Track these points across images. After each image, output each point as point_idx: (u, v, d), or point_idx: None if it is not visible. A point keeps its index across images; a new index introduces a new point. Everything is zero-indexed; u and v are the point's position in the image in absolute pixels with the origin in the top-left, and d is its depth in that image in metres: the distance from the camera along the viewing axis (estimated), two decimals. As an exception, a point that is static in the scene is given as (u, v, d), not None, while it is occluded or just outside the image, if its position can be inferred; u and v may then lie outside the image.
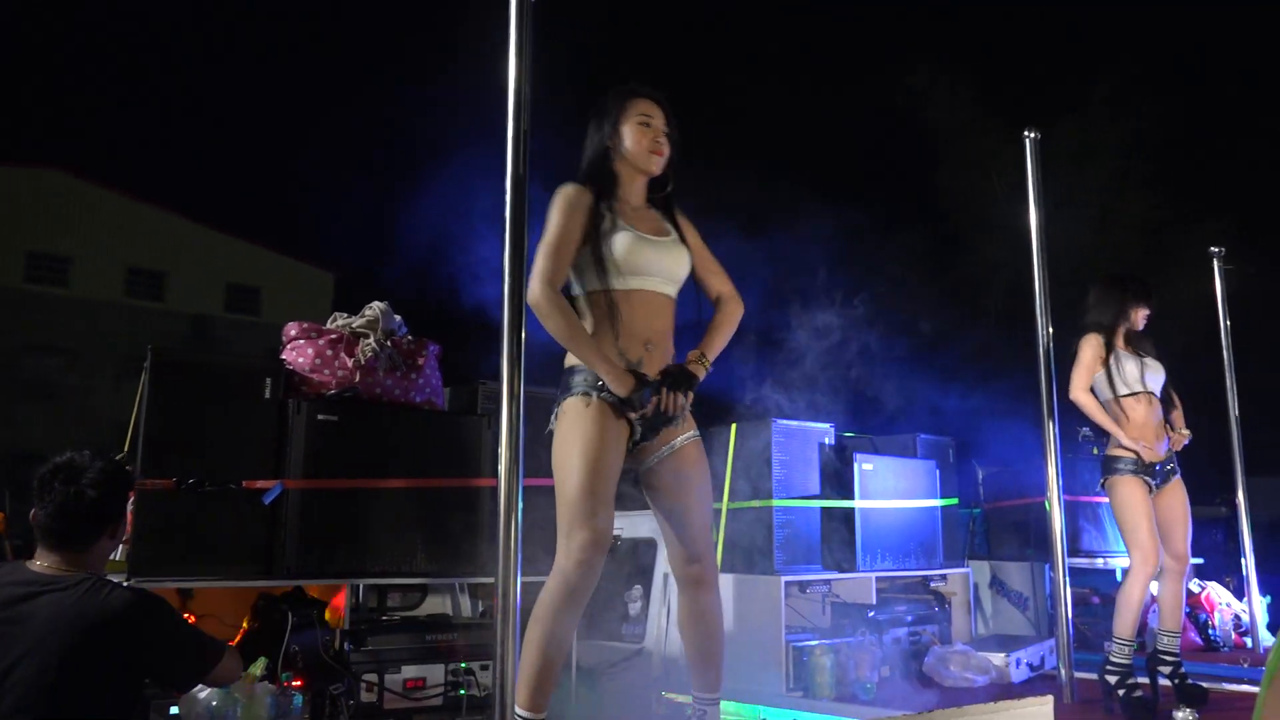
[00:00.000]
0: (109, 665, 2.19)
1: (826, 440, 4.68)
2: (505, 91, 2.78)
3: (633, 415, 2.56)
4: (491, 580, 2.65)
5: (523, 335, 2.68)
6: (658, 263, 2.65)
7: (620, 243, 2.61)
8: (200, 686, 2.59)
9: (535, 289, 2.58)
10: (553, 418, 2.64)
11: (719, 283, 2.86)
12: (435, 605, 4.01)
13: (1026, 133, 4.50)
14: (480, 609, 4.06)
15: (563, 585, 2.44)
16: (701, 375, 2.68)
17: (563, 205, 2.64)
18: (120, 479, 2.40)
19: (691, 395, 2.66)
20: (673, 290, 2.72)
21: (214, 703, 2.81)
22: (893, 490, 4.77)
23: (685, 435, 2.68)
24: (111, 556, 2.48)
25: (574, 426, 2.54)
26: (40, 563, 2.28)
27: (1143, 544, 3.82)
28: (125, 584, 2.35)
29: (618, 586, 4.67)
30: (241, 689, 2.76)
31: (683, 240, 2.76)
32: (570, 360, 2.63)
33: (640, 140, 2.72)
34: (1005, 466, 6.25)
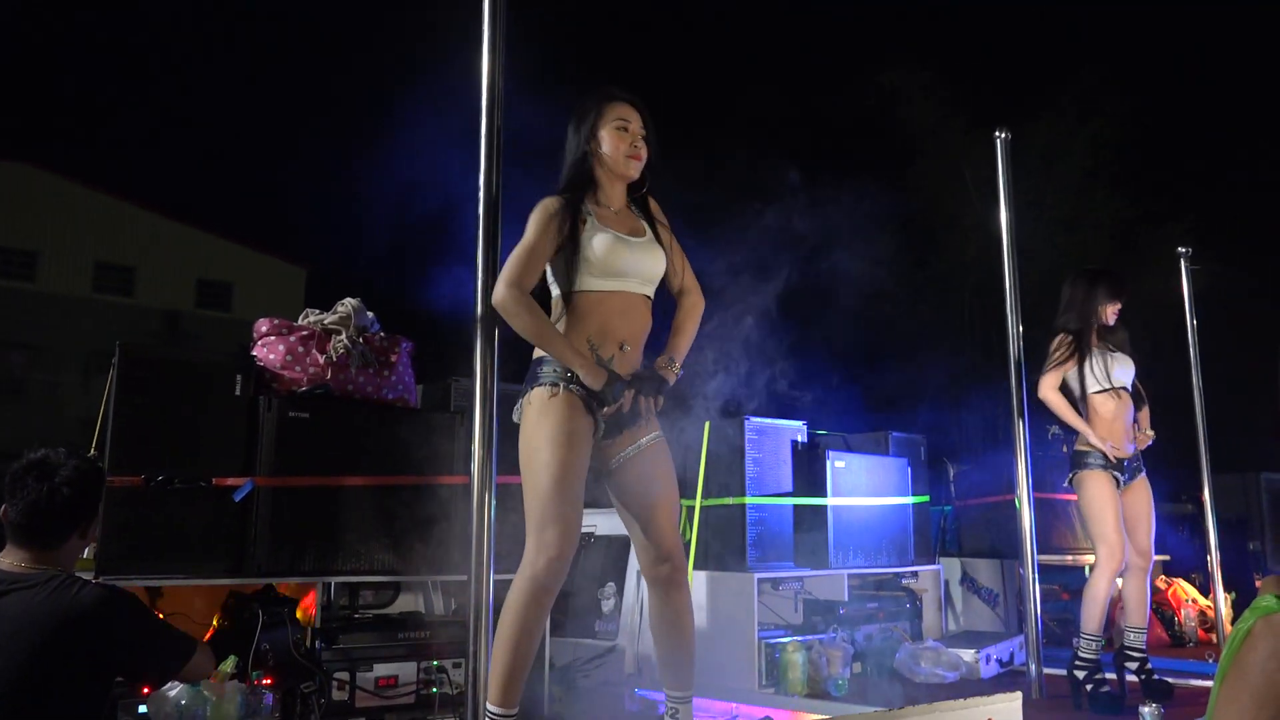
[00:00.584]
0: (80, 663, 2.17)
1: (799, 438, 4.71)
2: (479, 87, 2.78)
3: (604, 411, 2.56)
4: (464, 578, 2.65)
5: (495, 331, 2.68)
6: (635, 264, 2.67)
7: (598, 245, 2.63)
8: (172, 683, 2.58)
9: (499, 290, 2.58)
10: (517, 408, 2.63)
11: (684, 276, 2.87)
12: (407, 603, 3.99)
13: (997, 133, 4.53)
14: (453, 606, 4.05)
15: (531, 581, 2.44)
16: (672, 380, 2.69)
17: (539, 216, 2.66)
18: (94, 477, 2.37)
19: (662, 400, 2.67)
20: (649, 290, 2.73)
21: (183, 701, 2.79)
22: (865, 487, 4.81)
23: (650, 435, 2.68)
24: (82, 555, 2.45)
25: (542, 419, 2.53)
26: (8, 560, 2.26)
27: (1109, 539, 3.87)
28: (95, 581, 2.34)
29: (591, 583, 4.67)
30: (211, 687, 2.75)
31: (658, 239, 2.78)
32: (539, 351, 2.63)
33: (618, 145, 2.73)
34: (976, 464, 6.30)
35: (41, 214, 24.66)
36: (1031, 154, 15.42)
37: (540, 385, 2.57)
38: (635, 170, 2.76)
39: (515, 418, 2.63)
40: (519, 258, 2.62)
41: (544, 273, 2.71)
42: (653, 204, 2.86)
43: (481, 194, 2.76)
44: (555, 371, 2.56)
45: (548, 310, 2.70)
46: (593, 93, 2.82)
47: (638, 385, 2.60)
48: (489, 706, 2.47)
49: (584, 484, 2.54)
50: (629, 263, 2.65)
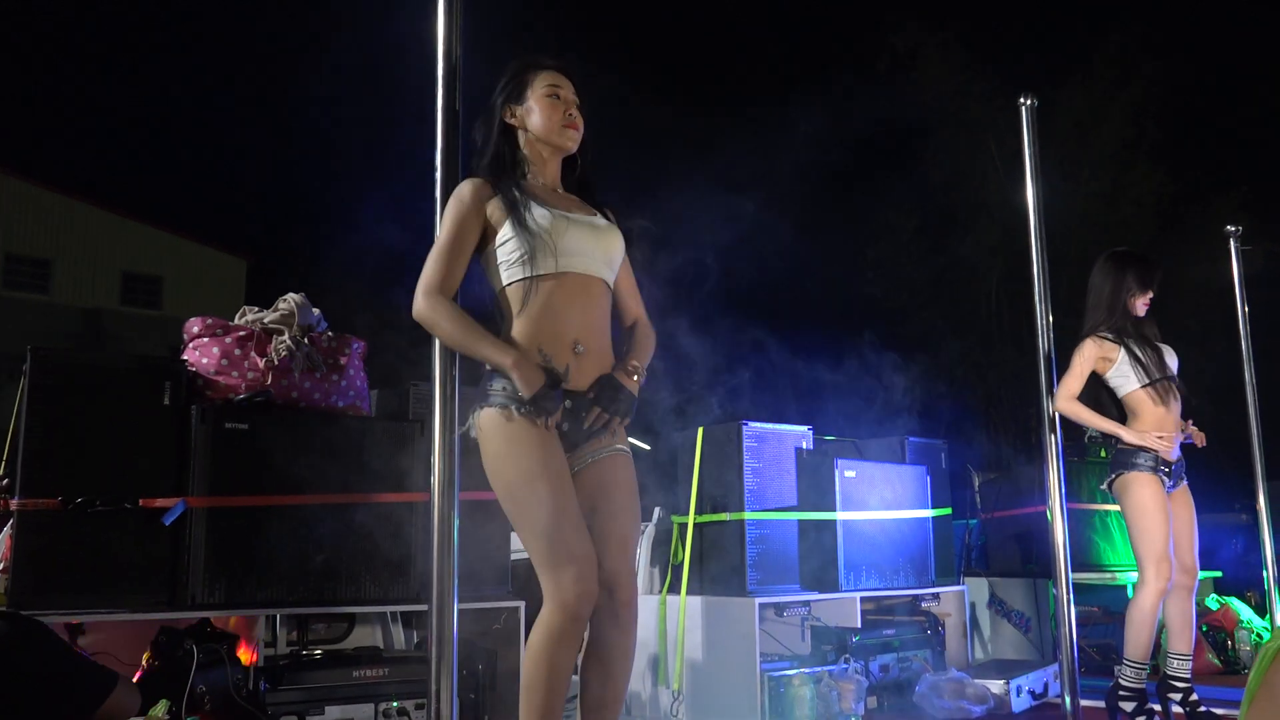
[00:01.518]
0: None
1: (804, 444, 4.72)
2: (434, 54, 2.78)
3: (540, 422, 2.52)
4: (424, 608, 2.65)
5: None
6: (583, 241, 2.60)
7: (534, 220, 2.56)
8: None
9: (417, 302, 2.54)
10: (470, 424, 2.58)
11: (634, 305, 2.84)
12: (364, 637, 3.99)
13: (1022, 100, 4.55)
14: (415, 640, 4.05)
15: (568, 620, 2.40)
16: (635, 391, 2.67)
17: (455, 204, 2.59)
18: None
19: (628, 417, 2.65)
20: (608, 275, 2.68)
21: (109, 753, 2.78)
22: (878, 500, 4.83)
23: (609, 447, 2.63)
24: None
25: (512, 451, 2.49)
26: None
27: (1157, 551, 3.88)
28: None
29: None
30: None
31: (614, 223, 2.74)
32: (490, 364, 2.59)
33: (551, 115, 2.68)
34: (1004, 472, 6.33)
35: (-58, 201, 24.51)
36: (1063, 124, 15.48)
37: (490, 406, 2.52)
38: (573, 141, 2.71)
39: (470, 433, 2.59)
40: (435, 259, 2.56)
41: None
42: (607, 207, 2.81)
43: (439, 174, 2.76)
44: (507, 389, 2.50)
45: (498, 318, 2.66)
46: (512, 61, 2.76)
47: (601, 399, 2.57)
48: None
49: (578, 504, 2.52)
50: (577, 239, 2.58)
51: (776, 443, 4.59)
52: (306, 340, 3.54)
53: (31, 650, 2.30)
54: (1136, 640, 3.92)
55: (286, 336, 3.51)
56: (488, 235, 2.62)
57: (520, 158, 2.73)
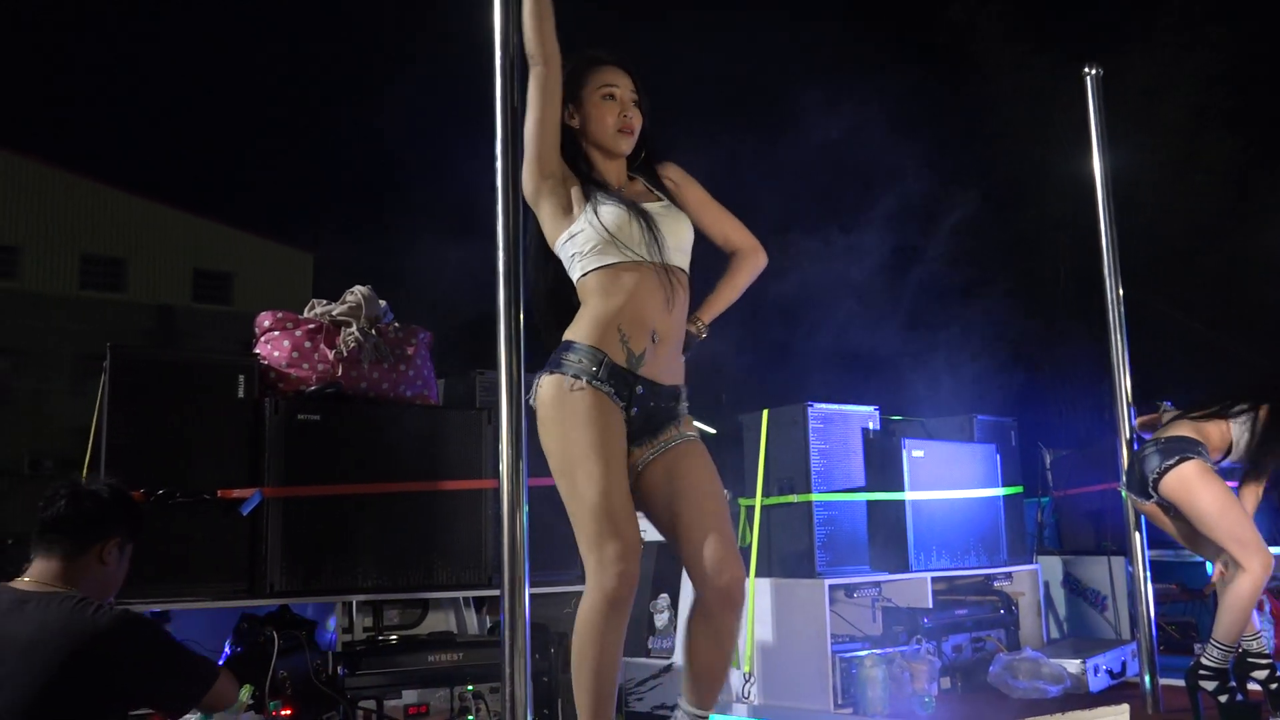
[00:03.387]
0: (95, 688, 2.31)
1: (870, 425, 4.68)
2: (492, 48, 2.79)
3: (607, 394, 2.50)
4: (497, 593, 2.67)
5: (521, 317, 2.69)
6: (657, 230, 2.60)
7: (611, 212, 2.58)
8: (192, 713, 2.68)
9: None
10: (533, 390, 2.58)
11: (733, 231, 2.82)
12: (437, 622, 4.05)
13: (1087, 69, 4.47)
14: (488, 625, 4.09)
15: (604, 600, 2.44)
16: (695, 338, 2.68)
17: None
18: (126, 501, 2.58)
19: (683, 421, 2.64)
20: (679, 260, 2.68)
21: (194, 737, 2.85)
22: (948, 479, 4.77)
23: (679, 435, 2.62)
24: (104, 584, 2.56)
25: (577, 420, 2.49)
26: (30, 578, 2.43)
27: (1248, 537, 3.73)
28: (112, 605, 2.45)
29: (640, 595, 4.70)
30: (225, 719, 2.81)
31: (676, 204, 2.73)
32: (569, 334, 2.60)
33: (605, 119, 2.66)
34: (1076, 449, 6.22)
35: (22, 205, 25.17)
36: (1128, 92, 15.13)
37: (561, 371, 2.52)
38: (628, 145, 2.69)
39: (530, 401, 2.58)
40: (531, 135, 2.61)
41: (554, 264, 2.70)
42: (670, 169, 2.81)
43: (499, 166, 2.77)
44: (581, 362, 2.51)
45: (569, 311, 2.68)
46: (568, 59, 2.73)
47: (654, 401, 2.58)
48: None
49: (629, 486, 2.54)
50: (648, 229, 2.58)
51: (843, 423, 4.55)
52: (374, 331, 3.59)
53: (142, 644, 2.40)
54: (1231, 625, 3.79)
55: (354, 328, 3.55)
56: (566, 210, 2.63)
57: (582, 155, 2.72)
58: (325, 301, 3.66)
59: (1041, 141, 15.97)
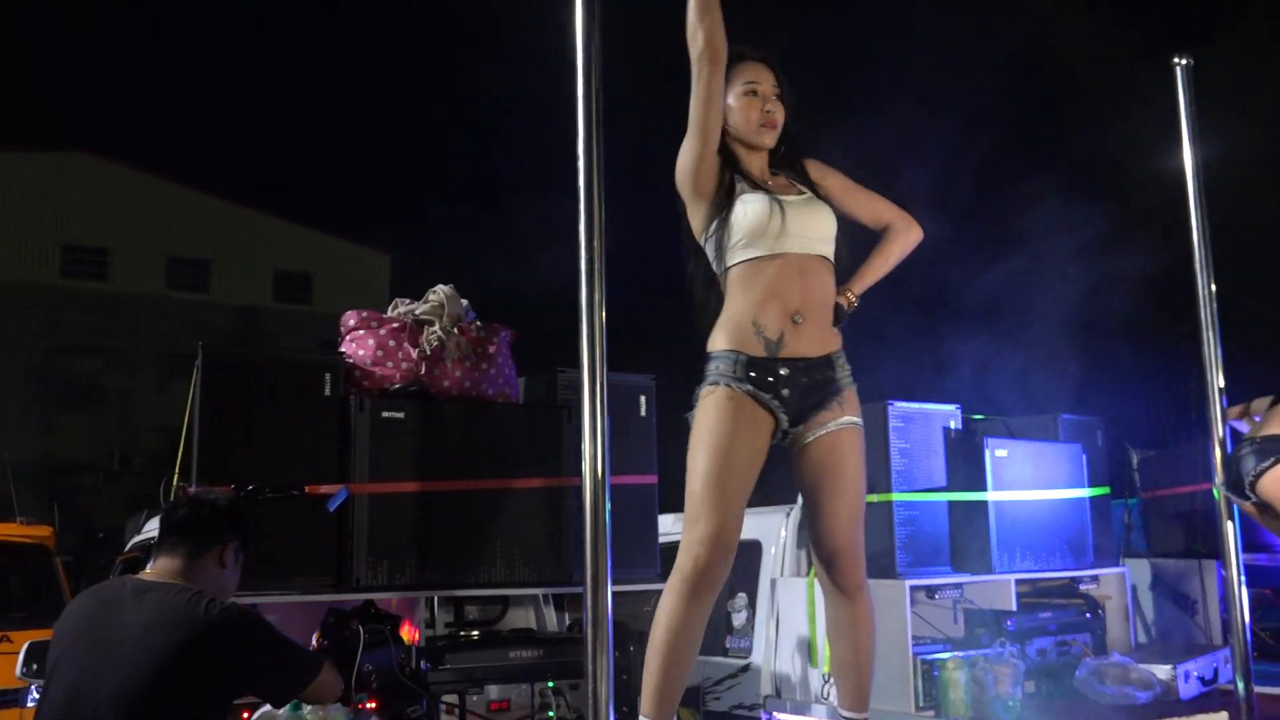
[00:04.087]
0: (201, 674, 2.51)
1: (952, 424, 4.62)
2: (573, 42, 2.80)
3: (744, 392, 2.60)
4: (580, 590, 2.69)
5: (603, 314, 2.70)
6: (791, 222, 2.69)
7: (747, 209, 2.65)
8: (272, 709, 2.79)
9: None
10: (693, 403, 2.73)
11: (882, 209, 2.92)
12: (517, 619, 4.09)
13: (1176, 59, 4.36)
14: (567, 622, 4.12)
15: (680, 583, 2.52)
16: (845, 310, 2.75)
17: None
18: (240, 510, 2.85)
19: (845, 395, 2.71)
20: (822, 249, 2.75)
21: (285, 728, 2.91)
22: (1032, 479, 4.69)
23: (840, 421, 2.72)
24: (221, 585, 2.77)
25: (705, 416, 2.62)
26: (150, 572, 2.69)
27: None
28: (223, 600, 2.66)
29: (720, 595, 4.70)
30: (315, 712, 2.87)
31: (820, 197, 2.80)
32: (709, 346, 2.70)
33: (748, 114, 2.77)
34: (1165, 449, 6.07)
35: (110, 207, 25.92)
36: (1216, 83, 14.72)
37: (706, 383, 2.67)
38: (771, 139, 2.80)
39: (689, 418, 2.75)
40: (695, 132, 2.70)
41: (705, 254, 2.77)
42: (811, 164, 2.88)
43: (581, 162, 2.79)
44: (719, 368, 2.63)
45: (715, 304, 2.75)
46: None
47: (805, 376, 2.64)
48: (642, 718, 2.55)
49: (747, 487, 2.59)
50: (792, 221, 2.68)
51: (924, 423, 4.50)
52: (456, 330, 3.63)
53: (251, 638, 2.61)
54: None
55: (437, 327, 3.59)
56: (710, 206, 2.72)
57: (728, 150, 2.80)
58: (408, 300, 3.71)
59: (1126, 133, 15.63)
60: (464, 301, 3.75)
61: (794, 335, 2.66)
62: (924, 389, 4.62)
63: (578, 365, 2.71)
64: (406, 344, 3.55)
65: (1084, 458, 4.98)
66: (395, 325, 3.58)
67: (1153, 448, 6.20)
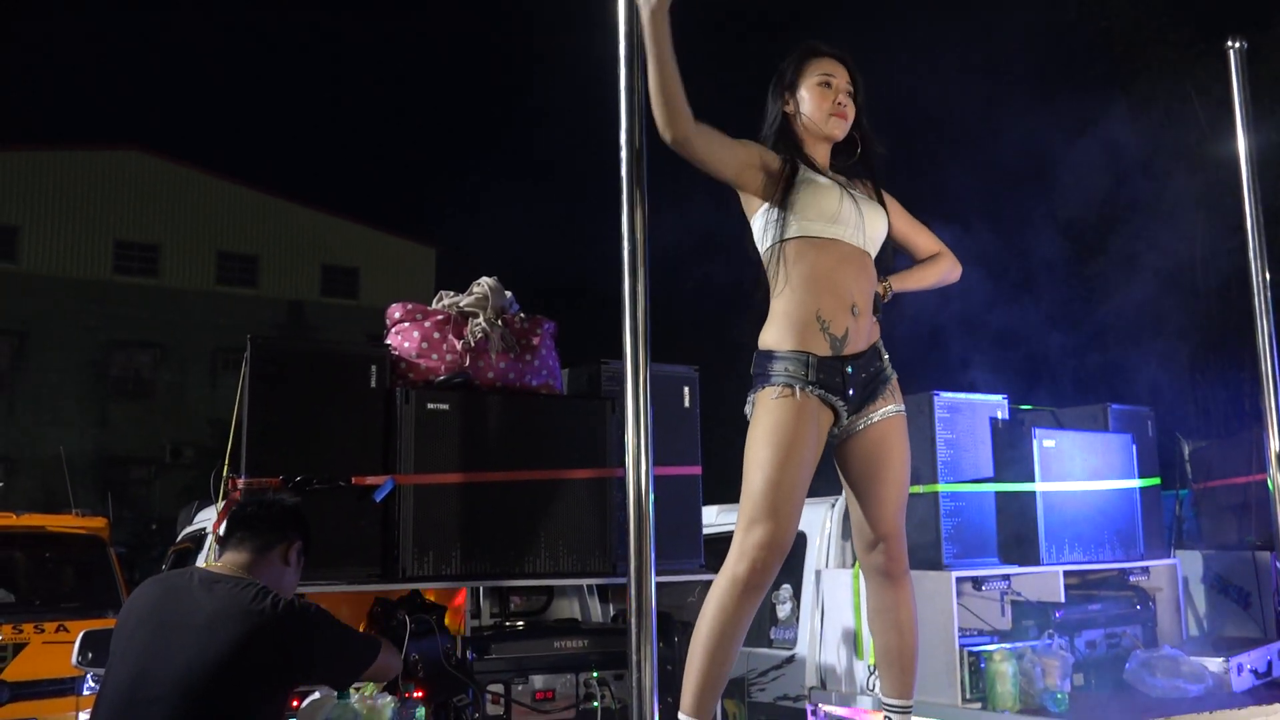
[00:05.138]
0: (264, 665, 2.62)
1: (999, 414, 4.57)
2: (616, 37, 2.80)
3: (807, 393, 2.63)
4: (624, 581, 2.70)
5: (646, 305, 2.70)
6: (852, 212, 2.75)
7: (811, 187, 2.72)
8: (319, 699, 2.86)
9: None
10: (748, 405, 2.74)
11: (933, 243, 3.04)
12: (561, 609, 4.11)
13: (1230, 42, 4.29)
14: (612, 613, 4.14)
15: (731, 583, 2.53)
16: (883, 299, 2.84)
17: (744, 143, 2.78)
18: (303, 514, 2.97)
19: (890, 389, 2.77)
20: (871, 248, 2.80)
21: (332, 716, 2.95)
22: (1081, 470, 4.63)
23: (886, 410, 2.77)
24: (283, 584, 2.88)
25: (769, 416, 2.65)
26: (218, 564, 2.85)
27: None
28: (288, 597, 2.77)
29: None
30: (362, 701, 2.91)
31: (880, 203, 2.85)
32: (767, 342, 2.71)
33: (820, 103, 2.81)
34: (1218, 439, 5.98)
35: (160, 204, 26.28)
36: (1270, 69, 14.42)
37: (772, 384, 2.66)
38: (840, 130, 2.84)
39: (746, 412, 2.77)
40: (721, 166, 2.74)
41: (751, 236, 2.81)
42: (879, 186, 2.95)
43: (624, 154, 2.79)
44: (789, 369, 2.64)
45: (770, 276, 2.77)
46: (794, 50, 2.92)
47: (865, 372, 2.70)
48: (681, 716, 2.56)
49: (805, 488, 2.61)
50: (848, 210, 2.74)
51: (970, 413, 4.46)
52: (500, 322, 3.64)
53: (317, 630, 2.73)
54: None
55: (482, 319, 3.61)
56: (764, 188, 2.72)
57: (796, 139, 2.83)
58: (453, 293, 3.73)
59: (1177, 120, 15.37)
60: (508, 293, 3.77)
61: (854, 330, 2.71)
62: (971, 379, 4.58)
63: (621, 357, 2.73)
64: (451, 336, 3.58)
65: (1134, 448, 4.91)
66: (440, 317, 3.60)
67: (1204, 437, 6.11)
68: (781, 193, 2.73)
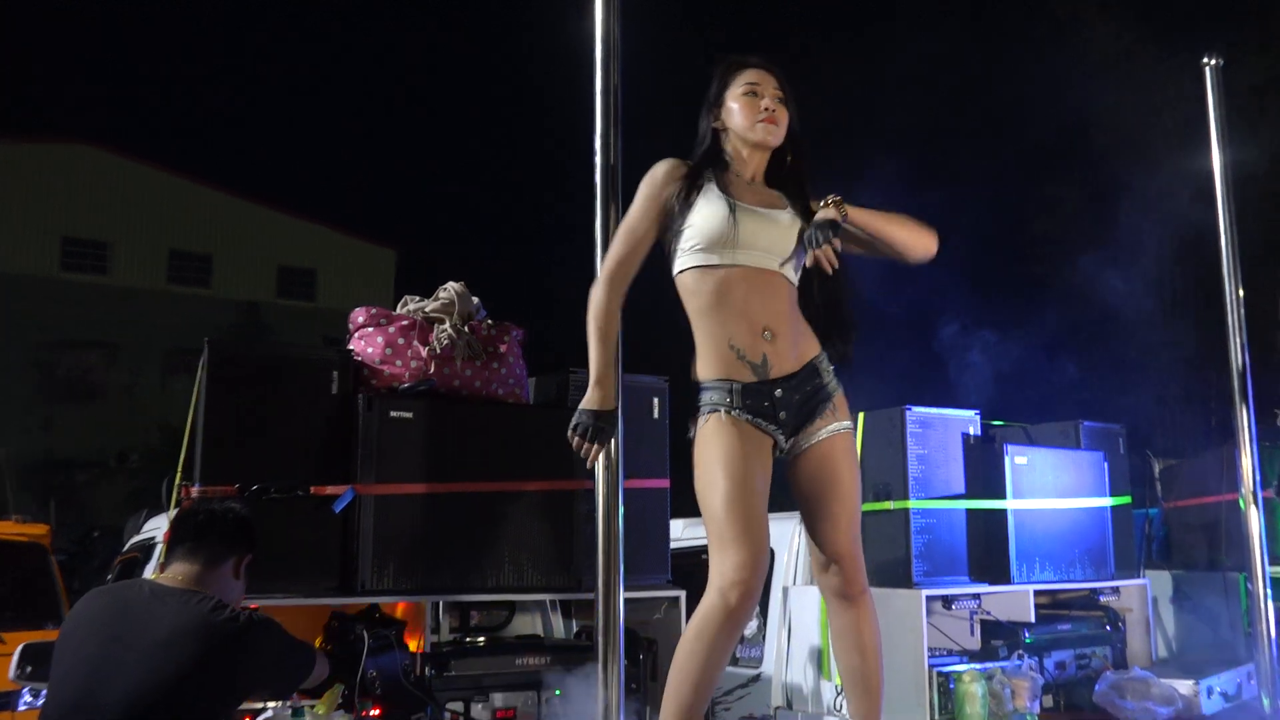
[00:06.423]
0: (220, 681, 2.61)
1: (971, 430, 4.60)
2: (592, 35, 2.80)
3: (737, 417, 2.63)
4: (590, 597, 2.68)
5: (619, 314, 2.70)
6: (760, 235, 2.69)
7: (713, 211, 2.66)
8: (274, 715, 2.84)
9: (596, 282, 2.73)
10: (691, 434, 2.76)
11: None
12: (523, 625, 4.08)
13: (1206, 59, 4.35)
14: (575, 629, 4.11)
15: (722, 609, 2.49)
16: (836, 217, 2.65)
17: (645, 185, 2.76)
18: (251, 527, 2.92)
19: (835, 402, 2.75)
20: (788, 271, 2.75)
21: (287, 734, 2.92)
22: (1052, 487, 4.67)
23: (830, 427, 2.73)
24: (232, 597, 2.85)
25: (710, 441, 2.63)
26: (165, 576, 2.79)
27: None
28: (245, 610, 2.75)
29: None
30: (318, 718, 2.88)
31: (801, 217, 2.79)
32: (696, 373, 2.72)
33: (748, 112, 2.77)
34: (1188, 458, 6.05)
35: (111, 200, 25.96)
36: (1240, 86, 14.66)
37: (704, 411, 2.68)
38: (773, 136, 2.79)
39: (690, 436, 2.77)
40: (616, 240, 2.74)
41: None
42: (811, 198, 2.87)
43: (598, 159, 2.79)
44: (713, 398, 2.65)
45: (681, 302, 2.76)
46: (716, 65, 2.89)
47: (797, 392, 2.64)
48: None
49: (763, 501, 2.60)
50: (754, 234, 2.67)
51: (942, 428, 4.48)
52: (467, 328, 3.62)
53: (272, 645, 2.73)
54: None
55: (448, 325, 3.59)
56: (669, 217, 2.71)
57: (726, 156, 2.82)
58: (418, 298, 3.70)
59: (1151, 134, 15.58)
60: (475, 299, 3.75)
61: (774, 352, 2.66)
62: (941, 394, 4.60)
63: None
64: (416, 342, 3.55)
65: (1105, 466, 4.96)
66: (405, 323, 3.58)
67: (1174, 455, 6.17)
68: (670, 221, 2.71)
